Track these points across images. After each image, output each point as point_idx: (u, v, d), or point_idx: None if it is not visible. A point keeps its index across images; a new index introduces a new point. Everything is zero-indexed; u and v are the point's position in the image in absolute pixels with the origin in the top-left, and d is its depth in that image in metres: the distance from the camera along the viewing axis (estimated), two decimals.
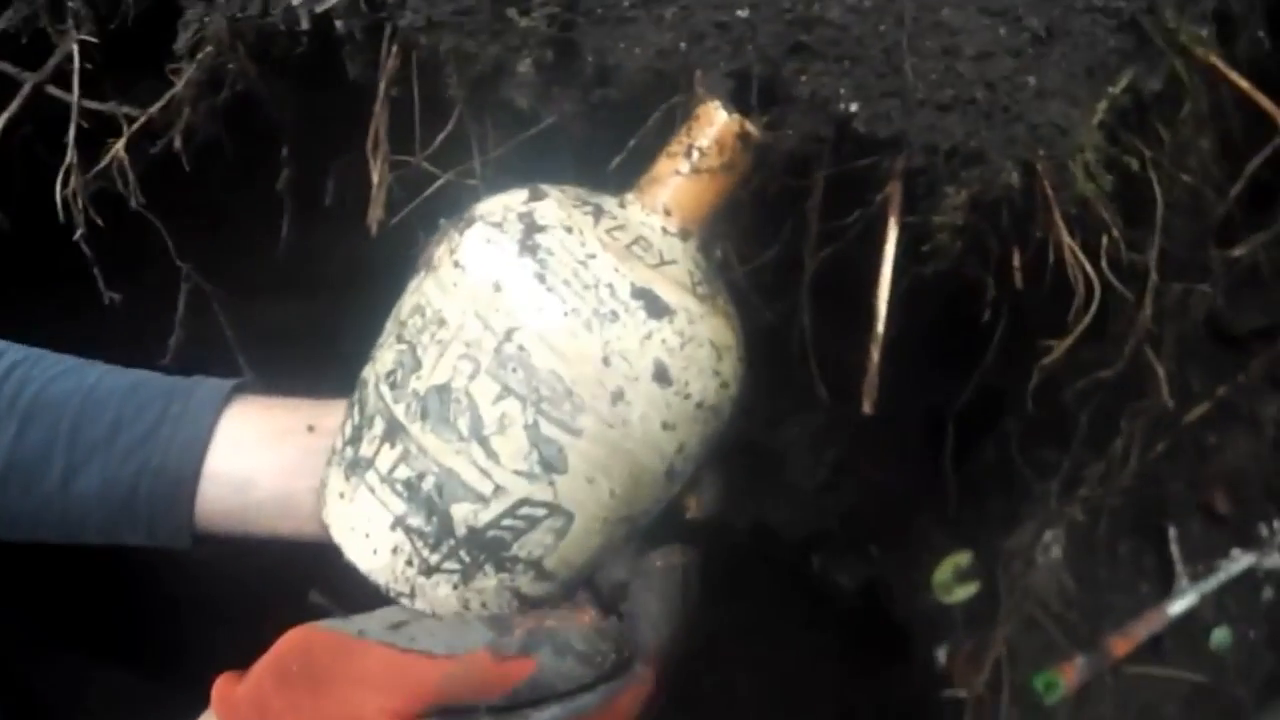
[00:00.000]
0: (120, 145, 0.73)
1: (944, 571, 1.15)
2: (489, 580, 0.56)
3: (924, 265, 0.64)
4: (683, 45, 0.61)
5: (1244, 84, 0.66)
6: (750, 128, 0.58)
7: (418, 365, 0.55)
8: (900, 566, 1.20)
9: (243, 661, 0.56)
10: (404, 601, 0.57)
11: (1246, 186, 0.73)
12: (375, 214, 0.72)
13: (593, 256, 0.55)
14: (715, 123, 0.58)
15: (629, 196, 0.59)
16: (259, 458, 0.64)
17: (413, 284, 0.58)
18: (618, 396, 0.53)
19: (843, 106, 0.60)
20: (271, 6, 0.67)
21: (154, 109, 0.72)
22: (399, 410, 0.56)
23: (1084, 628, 1.07)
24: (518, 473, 0.54)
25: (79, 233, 0.75)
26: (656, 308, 0.54)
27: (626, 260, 0.55)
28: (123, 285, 0.79)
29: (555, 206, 0.57)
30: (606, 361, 0.53)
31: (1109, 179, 0.64)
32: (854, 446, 1.20)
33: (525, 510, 0.54)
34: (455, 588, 0.56)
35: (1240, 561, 1.08)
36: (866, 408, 0.63)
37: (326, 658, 0.54)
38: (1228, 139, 0.72)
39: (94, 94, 0.75)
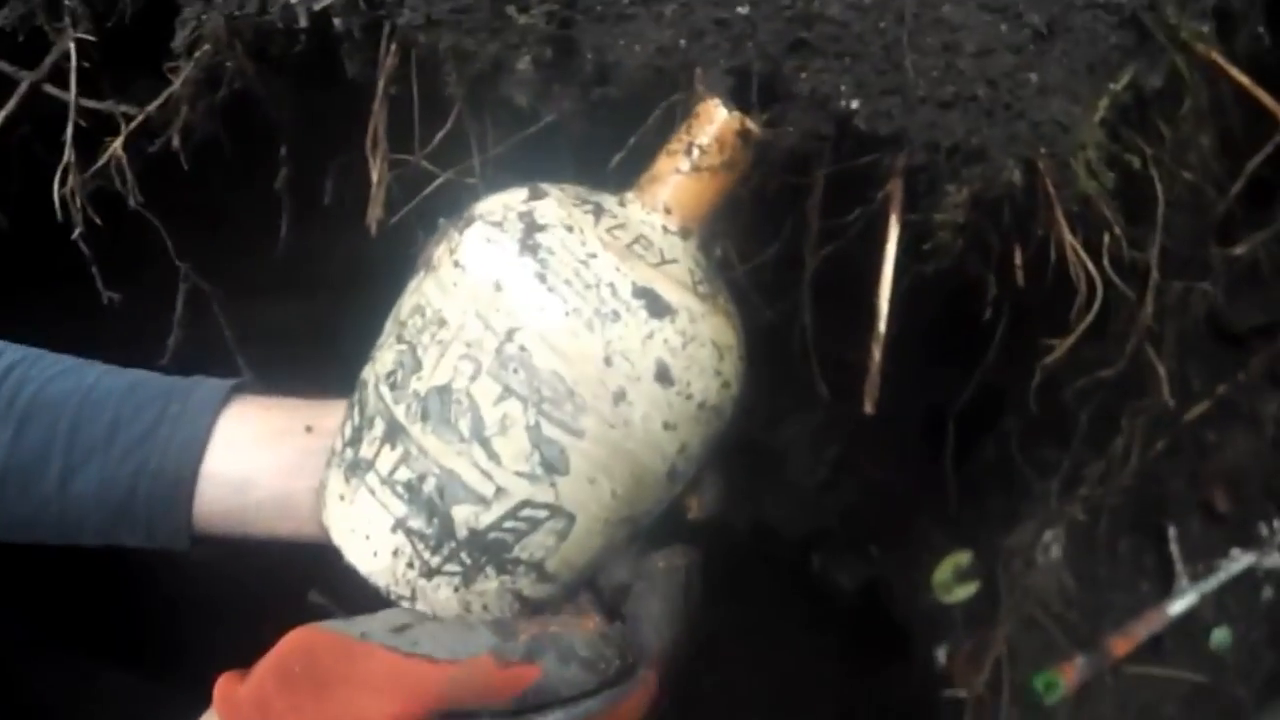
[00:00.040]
0: (118, 144, 0.73)
1: (944, 571, 1.15)
2: (490, 582, 0.56)
3: (925, 263, 0.64)
4: (682, 42, 0.61)
5: (1245, 80, 0.66)
6: (751, 125, 0.58)
7: (418, 366, 0.55)
8: (900, 566, 1.20)
9: (242, 661, 0.56)
10: (404, 604, 0.57)
11: (1246, 182, 0.73)
12: (375, 213, 0.71)
13: (594, 256, 0.54)
14: (715, 120, 0.58)
15: (629, 195, 0.59)
16: (257, 458, 0.64)
17: (412, 284, 0.58)
18: (620, 397, 0.53)
19: (843, 104, 0.60)
20: (269, 4, 0.66)
21: (152, 107, 0.72)
22: (399, 411, 0.55)
23: (1084, 627, 1.07)
24: (519, 474, 0.53)
25: (77, 232, 0.75)
26: (658, 307, 0.54)
27: (627, 259, 0.55)
28: (121, 285, 0.79)
29: (556, 205, 0.56)
30: (608, 362, 0.53)
31: (1110, 176, 0.64)
32: (854, 445, 1.20)
33: (527, 512, 0.54)
34: (456, 590, 0.56)
35: (1240, 561, 1.08)
36: (868, 408, 0.63)
37: (329, 660, 0.54)
38: (1227, 135, 0.72)
39: (91, 92, 0.74)
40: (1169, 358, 0.78)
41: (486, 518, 0.54)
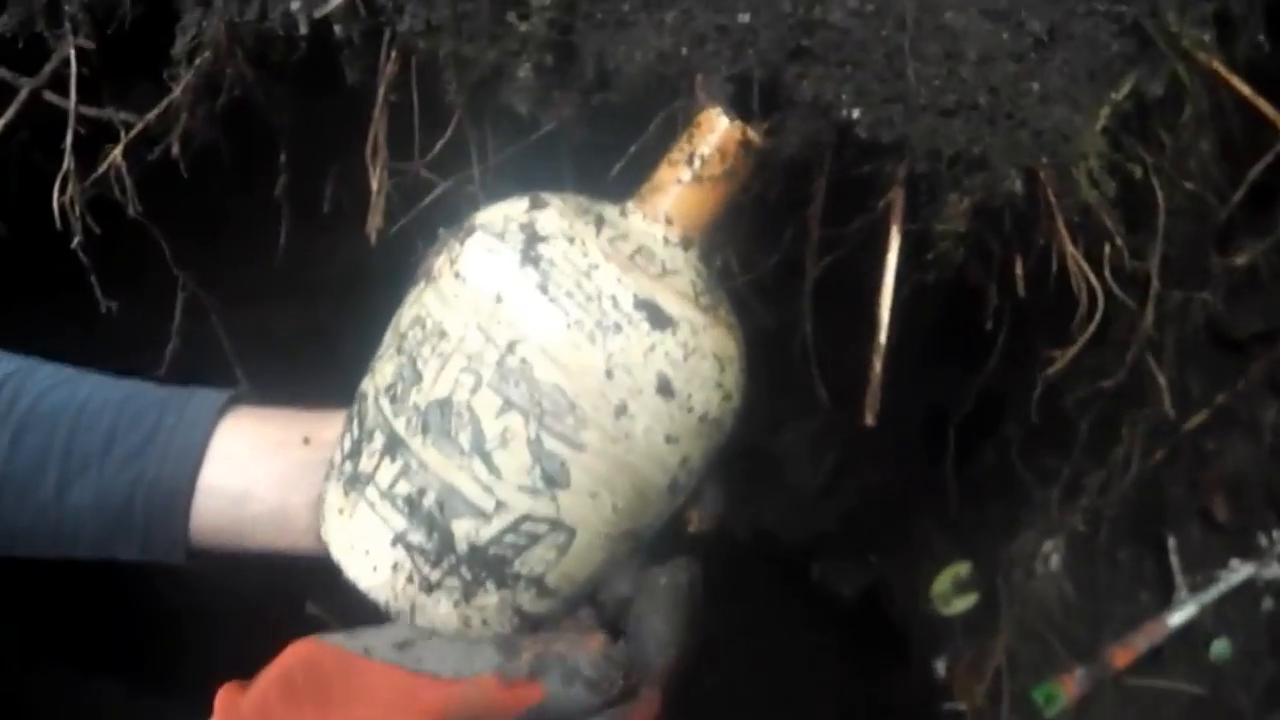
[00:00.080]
0: (118, 151, 0.73)
1: (943, 582, 1.15)
2: (490, 597, 0.55)
3: (926, 272, 0.64)
4: (683, 49, 0.61)
5: (1246, 90, 0.66)
6: (752, 134, 0.58)
7: (418, 378, 0.55)
8: (900, 572, 1.20)
9: (240, 672, 0.56)
10: (404, 619, 0.56)
11: (1246, 188, 0.73)
12: (374, 221, 0.71)
13: (595, 267, 0.54)
14: (717, 130, 0.57)
15: (630, 205, 0.59)
16: (254, 471, 0.63)
17: (412, 295, 0.58)
18: (621, 410, 0.53)
19: (844, 111, 0.59)
20: (270, 11, 0.66)
21: (151, 115, 0.72)
22: (399, 424, 0.55)
23: (1084, 638, 1.06)
24: (520, 488, 0.53)
25: (76, 240, 0.75)
26: (659, 319, 0.54)
27: (629, 271, 0.55)
28: (120, 293, 0.78)
29: (557, 216, 0.56)
30: (610, 374, 0.53)
31: (1111, 185, 0.63)
32: (854, 450, 1.19)
33: (527, 526, 0.54)
34: (456, 605, 0.55)
35: (1240, 572, 1.07)
36: (869, 419, 0.63)
37: (334, 675, 0.53)
38: (1228, 141, 0.71)
39: (91, 100, 0.74)
40: (1169, 366, 0.78)
41: (487, 532, 0.54)
